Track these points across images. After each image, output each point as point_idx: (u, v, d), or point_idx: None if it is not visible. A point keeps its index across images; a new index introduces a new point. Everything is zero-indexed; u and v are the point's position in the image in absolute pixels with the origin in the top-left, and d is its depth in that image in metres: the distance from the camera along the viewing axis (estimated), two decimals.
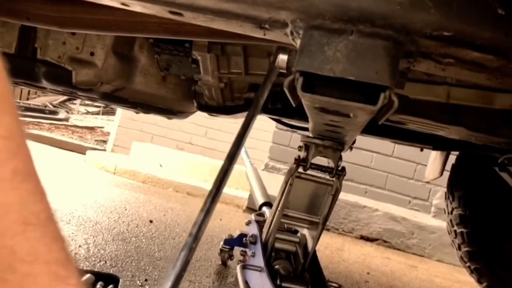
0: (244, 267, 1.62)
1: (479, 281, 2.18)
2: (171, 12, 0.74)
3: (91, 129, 9.75)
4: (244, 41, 1.20)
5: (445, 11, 0.61)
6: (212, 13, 0.71)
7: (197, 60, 1.50)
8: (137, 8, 0.77)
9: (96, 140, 7.63)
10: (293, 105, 0.84)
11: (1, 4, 1.11)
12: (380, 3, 0.61)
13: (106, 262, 1.66)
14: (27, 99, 13.34)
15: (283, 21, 0.68)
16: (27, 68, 1.65)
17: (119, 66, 1.64)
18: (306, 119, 1.12)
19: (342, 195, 3.79)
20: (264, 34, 0.76)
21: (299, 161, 1.52)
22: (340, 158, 1.54)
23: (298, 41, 0.70)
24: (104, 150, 6.55)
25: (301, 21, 0.66)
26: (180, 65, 1.62)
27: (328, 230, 3.71)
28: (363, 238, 3.73)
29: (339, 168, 1.55)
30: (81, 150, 6.03)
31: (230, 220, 3.23)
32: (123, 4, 0.76)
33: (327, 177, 1.59)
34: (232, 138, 1.02)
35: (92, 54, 1.60)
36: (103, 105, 9.87)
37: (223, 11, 0.69)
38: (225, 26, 0.76)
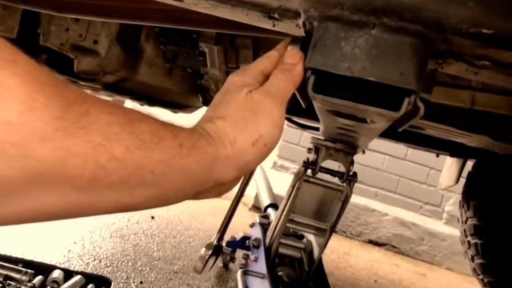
0: (245, 273, 1.54)
1: None
2: None
3: None
4: (252, 33, 1.12)
5: (487, 4, 0.51)
6: None
7: (204, 53, 1.43)
8: None
9: None
10: (303, 106, 0.75)
11: None
12: None
13: (100, 261, 1.59)
14: None
15: (295, 10, 0.59)
16: (28, 55, 1.58)
17: (124, 56, 1.57)
18: (317, 119, 1.04)
19: (351, 198, 3.69)
20: (274, 25, 0.67)
21: (307, 164, 1.43)
22: (352, 163, 1.45)
23: (312, 34, 0.61)
24: None
25: (315, 10, 0.57)
26: (186, 57, 1.55)
27: (335, 232, 3.61)
28: (371, 242, 3.63)
29: (350, 173, 1.46)
30: None
31: (234, 218, 3.14)
32: None
33: (337, 182, 1.50)
34: None
35: (95, 42, 1.54)
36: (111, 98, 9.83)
37: None
38: (230, 14, 0.68)
